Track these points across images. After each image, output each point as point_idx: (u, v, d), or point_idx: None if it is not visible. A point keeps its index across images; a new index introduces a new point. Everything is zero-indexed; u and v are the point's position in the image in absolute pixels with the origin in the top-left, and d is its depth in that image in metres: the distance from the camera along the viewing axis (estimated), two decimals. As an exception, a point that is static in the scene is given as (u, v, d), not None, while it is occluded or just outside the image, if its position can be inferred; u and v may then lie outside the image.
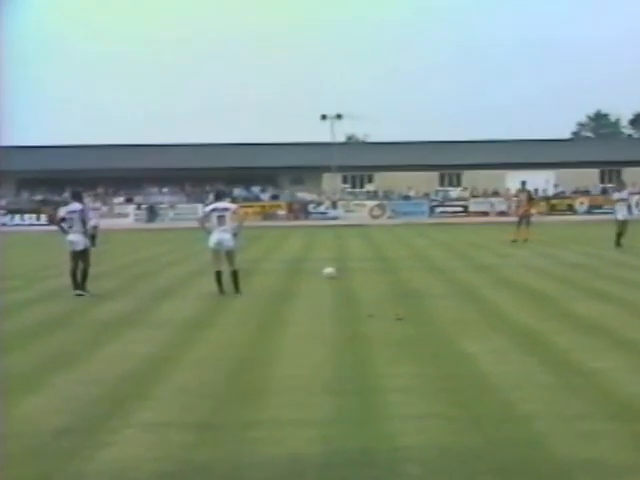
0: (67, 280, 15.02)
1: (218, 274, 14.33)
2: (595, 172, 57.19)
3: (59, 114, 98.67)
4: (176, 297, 14.39)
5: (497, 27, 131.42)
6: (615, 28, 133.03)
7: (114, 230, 38.28)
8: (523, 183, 28.72)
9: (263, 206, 52.33)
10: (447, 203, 52.85)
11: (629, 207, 25.43)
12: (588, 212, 50.31)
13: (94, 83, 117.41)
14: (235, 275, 14.43)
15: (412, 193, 53.79)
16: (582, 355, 8.67)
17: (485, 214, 50.57)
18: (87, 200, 22.58)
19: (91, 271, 15.12)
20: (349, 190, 57.27)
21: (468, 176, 56.55)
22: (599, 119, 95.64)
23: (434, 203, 52.66)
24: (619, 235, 24.13)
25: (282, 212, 51.84)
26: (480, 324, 10.78)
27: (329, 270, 16.79)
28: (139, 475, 5.40)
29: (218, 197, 15.30)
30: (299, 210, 52.16)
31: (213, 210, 14.53)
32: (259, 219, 48.35)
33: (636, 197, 44.01)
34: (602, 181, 57.02)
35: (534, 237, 26.77)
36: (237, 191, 52.66)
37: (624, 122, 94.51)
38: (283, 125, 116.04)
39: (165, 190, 56.24)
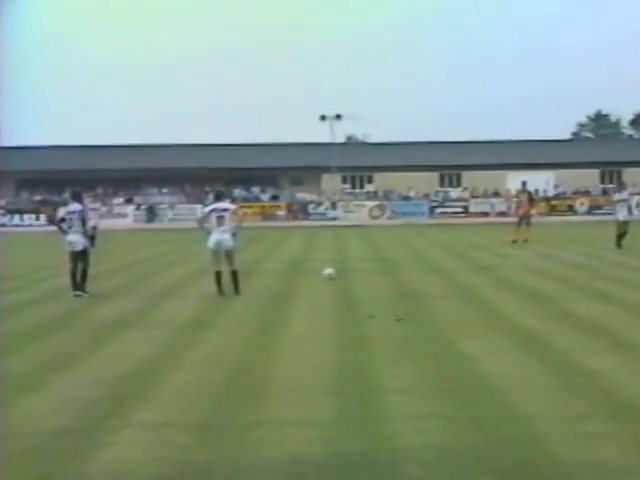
0: (67, 280, 15.01)
1: (218, 274, 14.32)
2: (595, 173, 57.13)
3: (59, 114, 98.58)
4: (176, 297, 14.38)
5: (497, 27, 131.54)
6: (615, 28, 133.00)
7: (113, 230, 38.27)
8: (524, 184, 28.71)
9: (263, 206, 52.33)
10: (447, 204, 52.77)
11: (629, 208, 25.38)
12: (588, 213, 50.27)
13: (94, 83, 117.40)
14: (235, 275, 14.42)
15: (412, 193, 53.72)
16: (582, 355, 8.67)
17: (485, 215, 50.53)
18: (87, 200, 22.54)
19: (90, 271, 15.11)
20: (349, 190, 57.19)
21: (468, 176, 56.46)
22: (599, 119, 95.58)
23: (434, 204, 52.56)
24: (619, 236, 24.09)
25: (282, 212, 51.81)
26: (480, 325, 10.77)
27: (329, 271, 16.78)
28: (139, 476, 5.40)
29: (218, 197, 15.28)
30: (299, 210, 52.12)
31: (212, 210, 14.52)
32: (259, 219, 48.35)
33: (636, 198, 43.94)
34: (602, 182, 56.95)
35: (534, 238, 26.76)
36: (237, 191, 52.61)
37: (624, 122, 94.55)
38: (283, 125, 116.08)
39: (165, 190, 56.18)
